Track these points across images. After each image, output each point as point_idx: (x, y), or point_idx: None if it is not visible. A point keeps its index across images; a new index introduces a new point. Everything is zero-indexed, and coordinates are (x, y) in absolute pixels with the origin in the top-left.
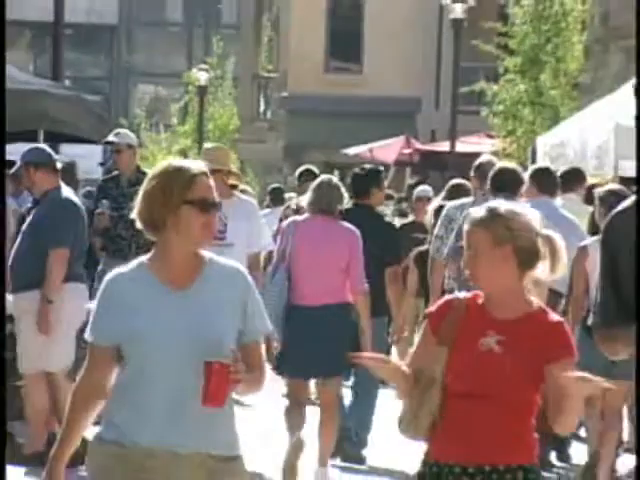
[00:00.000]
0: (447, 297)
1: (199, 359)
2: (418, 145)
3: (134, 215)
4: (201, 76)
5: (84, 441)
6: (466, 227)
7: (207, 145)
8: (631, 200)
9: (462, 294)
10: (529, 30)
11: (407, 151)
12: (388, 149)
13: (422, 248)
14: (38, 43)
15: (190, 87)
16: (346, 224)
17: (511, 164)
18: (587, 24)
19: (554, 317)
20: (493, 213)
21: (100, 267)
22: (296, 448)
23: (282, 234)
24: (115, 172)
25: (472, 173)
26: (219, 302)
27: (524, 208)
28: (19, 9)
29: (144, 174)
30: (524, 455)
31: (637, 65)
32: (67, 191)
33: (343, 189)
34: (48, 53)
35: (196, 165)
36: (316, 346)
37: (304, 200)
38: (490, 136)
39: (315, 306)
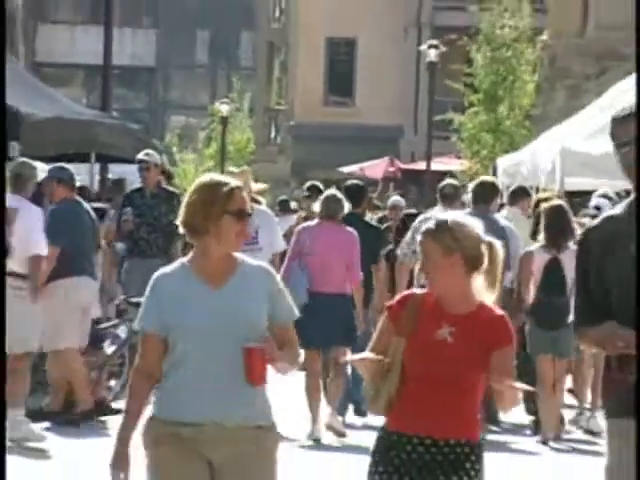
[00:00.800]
0: (405, 292)
1: (235, 344)
2: (400, 165)
3: (178, 222)
4: (223, 108)
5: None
6: (419, 238)
7: (233, 169)
8: (601, 218)
9: (419, 290)
10: (488, 71)
11: (391, 169)
12: (376, 168)
13: (390, 248)
14: (90, 81)
15: (214, 117)
16: (348, 228)
17: (489, 178)
18: (537, 66)
19: (497, 312)
20: (441, 225)
21: (125, 265)
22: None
23: (297, 236)
24: (139, 185)
25: (437, 194)
26: (250, 296)
27: (468, 218)
28: (74, 54)
29: (163, 189)
30: (470, 431)
31: (637, 66)
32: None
33: (344, 201)
34: (98, 89)
35: (233, 181)
36: (328, 324)
37: (314, 208)
38: (458, 157)
39: (327, 293)
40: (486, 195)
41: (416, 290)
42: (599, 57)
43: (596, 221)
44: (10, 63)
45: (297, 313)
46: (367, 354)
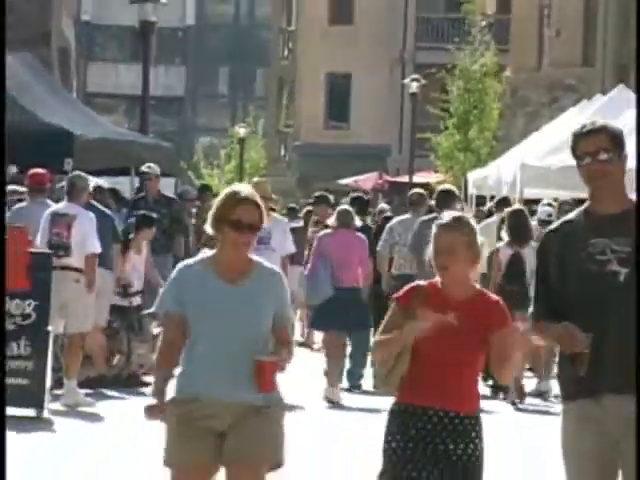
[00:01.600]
0: (412, 284)
1: (245, 334)
2: (387, 178)
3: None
4: (241, 131)
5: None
6: (437, 231)
7: (255, 179)
8: (560, 222)
9: (422, 282)
10: (461, 100)
11: (380, 182)
12: (367, 180)
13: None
14: (131, 109)
15: (233, 139)
16: (359, 234)
17: (448, 186)
18: (501, 96)
19: (493, 297)
20: (459, 221)
21: None
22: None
23: (319, 241)
24: (142, 194)
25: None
26: (261, 294)
27: (472, 220)
28: (118, 86)
29: (163, 195)
30: (472, 404)
31: (637, 71)
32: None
33: (354, 213)
34: (137, 115)
35: (245, 192)
36: (346, 313)
37: (331, 220)
38: (436, 171)
39: (346, 287)
40: (448, 201)
41: (420, 282)
42: (551, 88)
43: (556, 224)
44: (65, 94)
45: (293, 317)
46: (382, 339)
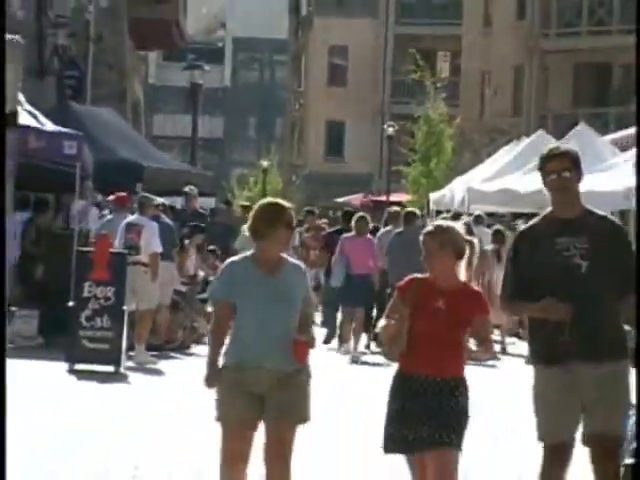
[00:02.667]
0: (410, 277)
1: (280, 315)
2: (372, 197)
3: (244, 228)
4: (264, 164)
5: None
6: (422, 237)
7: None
8: (527, 225)
9: (419, 275)
10: (424, 141)
11: (366, 200)
12: (356, 199)
13: None
14: (184, 147)
15: (259, 169)
16: (370, 237)
17: (411, 209)
18: (453, 137)
19: (475, 289)
20: (438, 229)
21: None
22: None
23: (341, 242)
24: (184, 208)
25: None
26: (292, 283)
27: (453, 223)
28: (175, 130)
29: (198, 211)
30: (458, 371)
31: (637, 75)
32: (163, 217)
33: (369, 220)
34: (189, 152)
35: (287, 204)
36: (361, 293)
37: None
38: (406, 193)
39: (362, 274)
40: (411, 218)
41: (417, 275)
42: (490, 132)
43: (524, 227)
44: (137, 136)
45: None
46: (387, 321)
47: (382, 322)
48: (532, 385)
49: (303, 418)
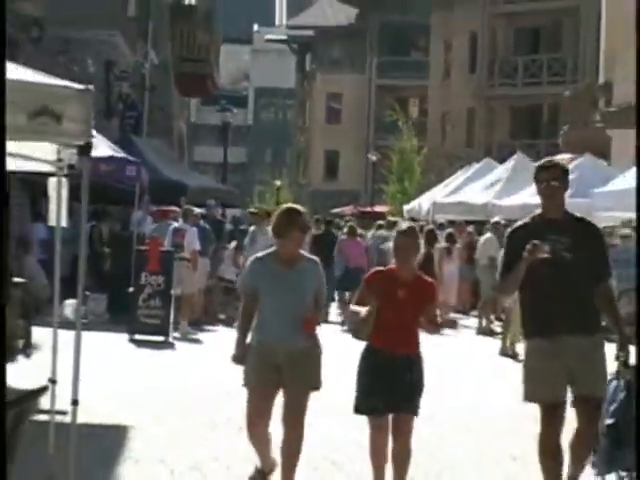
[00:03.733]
0: (375, 269)
1: (294, 302)
2: (360, 208)
3: (250, 229)
4: (277, 183)
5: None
6: (395, 235)
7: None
8: (519, 223)
9: (382, 268)
10: (399, 166)
11: (355, 211)
12: (348, 209)
13: None
14: (217, 170)
15: (274, 188)
16: (360, 239)
17: (395, 219)
18: (421, 163)
19: (429, 279)
20: (411, 230)
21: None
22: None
23: (339, 243)
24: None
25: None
26: (307, 276)
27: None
28: (211, 158)
29: (218, 218)
30: (416, 348)
31: (637, 76)
32: (202, 223)
33: (356, 227)
34: (221, 174)
35: (301, 209)
36: (356, 280)
37: (343, 232)
38: (386, 205)
39: (356, 267)
40: (392, 225)
41: (380, 268)
42: (449, 159)
43: (517, 224)
44: (181, 163)
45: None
46: (357, 308)
47: (351, 308)
48: (525, 355)
49: (315, 385)
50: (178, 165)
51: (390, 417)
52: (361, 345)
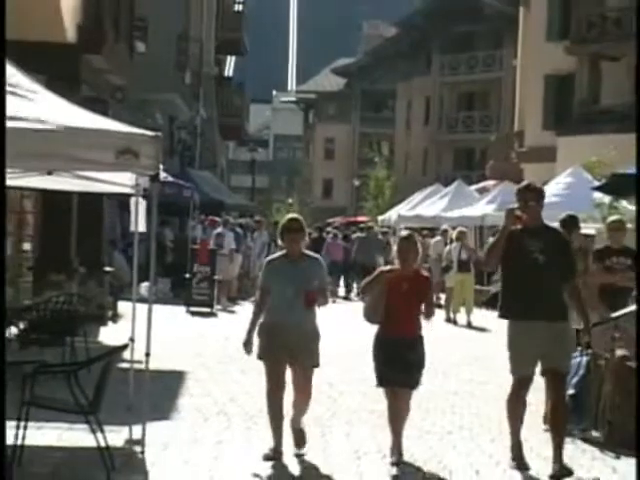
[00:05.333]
0: (383, 267)
1: (299, 291)
2: (348, 219)
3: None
4: (290, 200)
5: None
6: (398, 241)
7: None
8: (513, 229)
9: (388, 267)
10: (375, 190)
11: (344, 221)
12: (339, 220)
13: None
14: (247, 193)
15: (287, 204)
16: (340, 241)
17: (370, 225)
18: (390, 187)
19: (425, 274)
20: (411, 235)
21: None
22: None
23: (326, 245)
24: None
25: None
26: (310, 270)
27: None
28: (241, 183)
29: (237, 224)
30: (419, 331)
31: (637, 75)
32: (237, 229)
33: (338, 233)
34: (249, 196)
35: (297, 217)
36: (337, 270)
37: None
38: (366, 217)
39: (336, 260)
40: (369, 229)
41: (386, 267)
42: (410, 184)
43: (511, 228)
44: (222, 186)
45: (328, 282)
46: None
47: (366, 299)
48: (508, 336)
49: (315, 363)
50: (220, 188)
51: (399, 391)
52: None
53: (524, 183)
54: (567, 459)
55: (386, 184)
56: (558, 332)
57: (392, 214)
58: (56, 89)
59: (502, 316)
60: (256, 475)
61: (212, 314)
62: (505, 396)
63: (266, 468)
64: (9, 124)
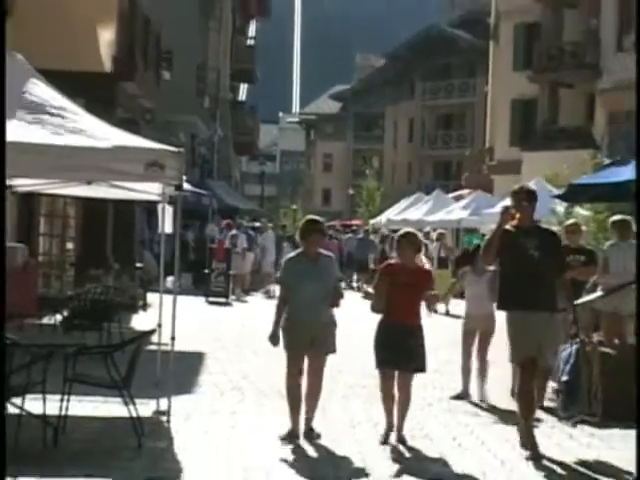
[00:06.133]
0: (387, 262)
1: (319, 287)
2: (343, 222)
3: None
4: (294, 207)
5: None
6: (397, 238)
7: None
8: (507, 227)
9: (394, 261)
10: (367, 199)
11: (340, 224)
12: (337, 222)
13: None
14: (257, 200)
15: (291, 210)
16: (334, 240)
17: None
18: (380, 195)
19: (427, 268)
20: (410, 233)
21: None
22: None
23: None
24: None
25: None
26: (326, 268)
27: (412, 229)
28: (253, 191)
29: (254, 227)
30: (419, 319)
31: (637, 71)
32: (249, 231)
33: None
34: (259, 202)
35: (319, 219)
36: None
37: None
38: (359, 219)
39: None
40: (365, 231)
41: (392, 260)
42: (397, 192)
43: (506, 227)
44: (236, 194)
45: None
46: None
47: (372, 292)
48: (507, 325)
49: (331, 351)
50: (234, 196)
51: (396, 374)
52: (372, 318)
53: (518, 185)
54: (566, 439)
55: (376, 193)
56: (551, 325)
57: (382, 218)
58: (95, 111)
59: (502, 308)
60: (267, 443)
61: (227, 304)
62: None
63: (275, 437)
64: (55, 141)
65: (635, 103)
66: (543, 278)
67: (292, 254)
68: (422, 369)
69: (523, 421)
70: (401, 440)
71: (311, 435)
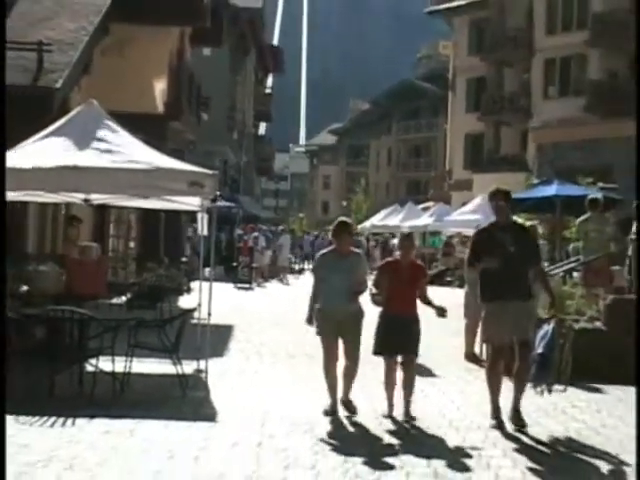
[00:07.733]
0: (387, 259)
1: (347, 280)
2: None
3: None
4: (301, 215)
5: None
6: (399, 238)
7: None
8: (484, 225)
9: (392, 258)
10: (357, 207)
11: None
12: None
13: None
14: (274, 210)
15: (299, 218)
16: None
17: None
18: (367, 207)
19: (420, 263)
20: (409, 235)
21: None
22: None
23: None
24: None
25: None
26: (354, 264)
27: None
28: (270, 204)
29: (271, 230)
30: (416, 311)
31: (637, 68)
32: (268, 233)
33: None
34: (274, 211)
35: (348, 221)
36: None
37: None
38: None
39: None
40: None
41: (390, 258)
42: (380, 204)
43: (481, 227)
44: (252, 202)
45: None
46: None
47: (373, 288)
48: (484, 311)
49: (359, 335)
50: (256, 207)
51: (399, 358)
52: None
53: (494, 187)
54: (539, 403)
55: (363, 205)
56: (526, 309)
57: (367, 223)
58: (151, 144)
59: (483, 300)
60: (280, 393)
61: (251, 289)
62: (451, 356)
63: (291, 394)
64: (121, 166)
65: (636, 103)
66: (519, 270)
67: (325, 250)
68: (416, 354)
69: (491, 396)
70: (410, 417)
71: (350, 406)
